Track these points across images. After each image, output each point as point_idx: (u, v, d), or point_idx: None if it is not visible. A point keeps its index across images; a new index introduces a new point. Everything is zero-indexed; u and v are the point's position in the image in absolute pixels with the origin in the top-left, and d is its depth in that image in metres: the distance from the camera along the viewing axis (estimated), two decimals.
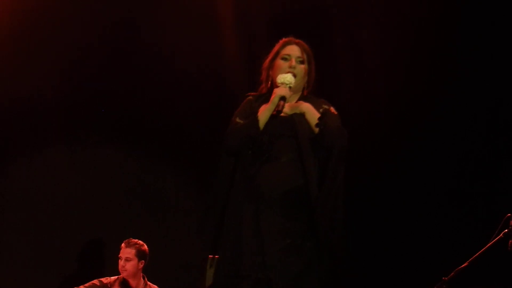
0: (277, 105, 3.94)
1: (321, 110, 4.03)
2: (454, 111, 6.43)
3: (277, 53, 4.15)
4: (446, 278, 4.44)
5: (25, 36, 6.50)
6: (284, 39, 4.19)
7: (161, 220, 6.87)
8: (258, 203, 3.91)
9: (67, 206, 6.67)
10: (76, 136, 6.77)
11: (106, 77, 6.70)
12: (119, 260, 5.79)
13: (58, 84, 6.64)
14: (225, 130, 4.09)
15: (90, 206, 6.68)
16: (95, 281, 5.81)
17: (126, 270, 5.77)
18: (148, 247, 5.88)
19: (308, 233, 3.90)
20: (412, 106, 6.48)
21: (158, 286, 5.95)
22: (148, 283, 5.88)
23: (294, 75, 4.04)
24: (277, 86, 4.02)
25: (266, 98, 4.08)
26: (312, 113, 4.00)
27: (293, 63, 4.08)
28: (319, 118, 3.98)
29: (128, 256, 5.76)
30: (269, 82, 4.16)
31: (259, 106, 4.06)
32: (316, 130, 3.96)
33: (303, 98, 4.13)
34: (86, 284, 5.76)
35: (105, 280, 5.84)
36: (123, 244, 5.82)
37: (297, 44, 4.16)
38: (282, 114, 3.96)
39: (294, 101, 4.09)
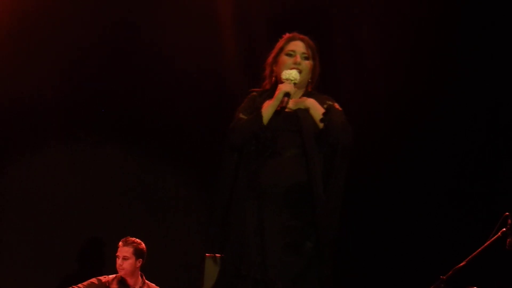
0: (281, 101, 3.92)
1: (325, 106, 3.99)
2: (454, 111, 6.44)
3: (282, 49, 4.12)
4: (444, 277, 4.44)
5: (25, 36, 6.50)
6: (288, 35, 4.16)
7: (161, 220, 6.87)
8: (261, 199, 3.88)
9: (67, 206, 6.66)
10: (76, 136, 6.77)
11: (106, 77, 6.69)
12: (117, 259, 5.78)
13: (58, 84, 6.63)
14: (226, 129, 4.07)
15: (90, 206, 6.68)
16: (93, 280, 5.81)
17: (123, 269, 5.76)
18: (148, 246, 5.88)
19: (310, 233, 3.88)
20: (412, 106, 6.49)
21: (157, 285, 5.94)
22: (146, 281, 5.88)
23: (300, 71, 4.02)
24: (281, 82, 4.00)
25: (269, 94, 4.05)
26: (316, 108, 3.97)
27: (298, 59, 4.05)
28: (324, 114, 3.95)
29: (125, 255, 5.75)
30: (273, 78, 4.13)
31: (263, 101, 4.03)
32: (321, 125, 3.93)
33: (307, 94, 4.10)
34: (85, 283, 5.76)
35: (103, 278, 5.84)
36: (120, 243, 5.81)
37: (301, 40, 4.12)
38: (286, 110, 3.94)
39: (299, 97, 4.07)
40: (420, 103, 6.46)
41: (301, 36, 4.15)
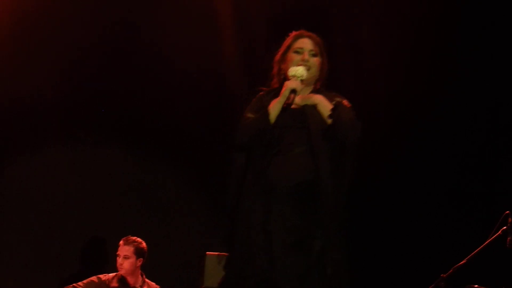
0: (288, 98, 3.88)
1: (333, 102, 3.94)
2: (454, 111, 6.44)
3: (289, 46, 4.10)
4: (444, 275, 4.44)
5: (25, 36, 6.51)
6: (295, 32, 4.14)
7: (161, 220, 6.87)
8: (269, 196, 3.85)
9: (67, 205, 6.66)
10: (75, 136, 6.77)
11: (106, 77, 6.70)
12: (117, 258, 5.77)
13: (58, 84, 6.64)
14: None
15: (90, 206, 6.68)
16: (93, 278, 5.81)
17: (124, 268, 5.75)
18: (148, 246, 5.87)
19: (317, 231, 3.84)
20: (412, 106, 6.49)
21: (157, 285, 5.94)
22: (146, 280, 5.87)
23: (308, 69, 4.00)
24: (289, 79, 3.98)
25: (277, 92, 4.02)
26: (324, 105, 3.93)
27: (306, 56, 4.03)
28: (332, 110, 3.90)
29: (126, 254, 5.75)
30: (281, 76, 4.11)
31: (270, 100, 4.00)
32: (329, 121, 3.88)
33: (315, 90, 4.07)
34: (84, 281, 5.75)
35: (103, 277, 5.83)
36: (121, 242, 5.81)
37: (309, 37, 4.10)
38: (293, 106, 3.90)
39: (307, 94, 4.03)
40: (420, 103, 6.46)
41: (309, 33, 4.13)
